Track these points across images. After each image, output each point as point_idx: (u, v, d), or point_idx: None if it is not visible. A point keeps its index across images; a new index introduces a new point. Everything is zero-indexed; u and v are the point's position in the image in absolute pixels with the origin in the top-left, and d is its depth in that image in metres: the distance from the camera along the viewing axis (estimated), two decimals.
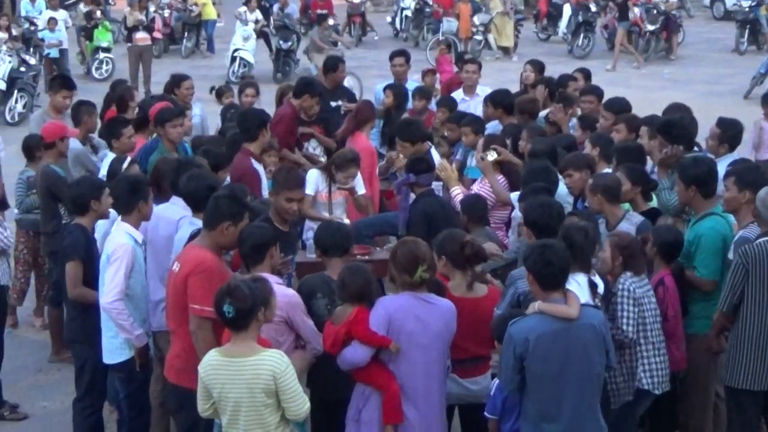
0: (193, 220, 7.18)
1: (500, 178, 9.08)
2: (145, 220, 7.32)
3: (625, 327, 6.60)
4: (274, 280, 6.25)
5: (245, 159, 9.19)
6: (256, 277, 5.97)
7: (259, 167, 9.30)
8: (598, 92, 10.92)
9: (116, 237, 7.12)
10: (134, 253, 7.07)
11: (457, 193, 8.97)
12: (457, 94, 12.56)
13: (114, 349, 7.17)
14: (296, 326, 6.43)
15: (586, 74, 12.55)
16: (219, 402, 5.80)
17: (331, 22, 23.89)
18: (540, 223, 6.71)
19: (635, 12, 26.48)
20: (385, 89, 12.33)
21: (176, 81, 12.12)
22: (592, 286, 6.31)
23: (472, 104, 12.15)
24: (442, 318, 6.17)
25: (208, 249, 6.51)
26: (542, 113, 10.82)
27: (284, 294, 6.31)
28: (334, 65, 12.47)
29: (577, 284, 6.07)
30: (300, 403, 5.75)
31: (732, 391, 6.97)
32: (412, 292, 6.14)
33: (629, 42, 26.42)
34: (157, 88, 18.64)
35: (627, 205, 7.85)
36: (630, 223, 7.46)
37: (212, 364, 5.80)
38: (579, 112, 10.55)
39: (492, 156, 9.03)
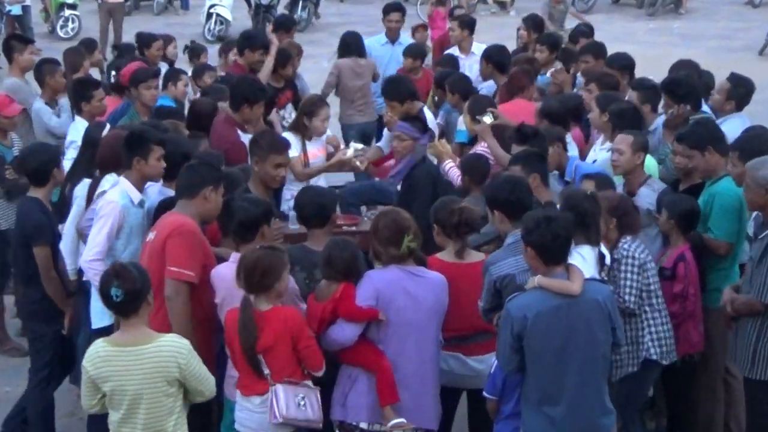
0: (163, 189, 7.13)
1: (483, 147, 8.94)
2: (151, 180, 7.18)
3: (627, 297, 6.59)
4: None
5: (232, 131, 8.72)
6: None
7: (246, 138, 8.74)
8: (595, 50, 10.75)
9: (108, 194, 7.03)
10: (124, 212, 6.95)
11: (451, 166, 8.86)
12: (452, 52, 12.50)
13: (96, 313, 7.05)
14: None
15: (590, 29, 12.50)
16: (112, 396, 5.62)
17: None
18: (501, 200, 6.47)
19: None
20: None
21: (145, 41, 11.96)
22: (600, 258, 6.25)
23: (467, 63, 12.09)
24: (433, 291, 6.12)
25: (187, 216, 6.42)
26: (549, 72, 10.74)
27: None
28: None
29: (582, 258, 5.97)
30: (209, 382, 5.74)
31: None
32: (399, 265, 6.08)
33: None
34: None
35: (653, 168, 7.79)
36: (651, 189, 7.43)
37: (101, 355, 5.62)
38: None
39: (489, 119, 8.96)
